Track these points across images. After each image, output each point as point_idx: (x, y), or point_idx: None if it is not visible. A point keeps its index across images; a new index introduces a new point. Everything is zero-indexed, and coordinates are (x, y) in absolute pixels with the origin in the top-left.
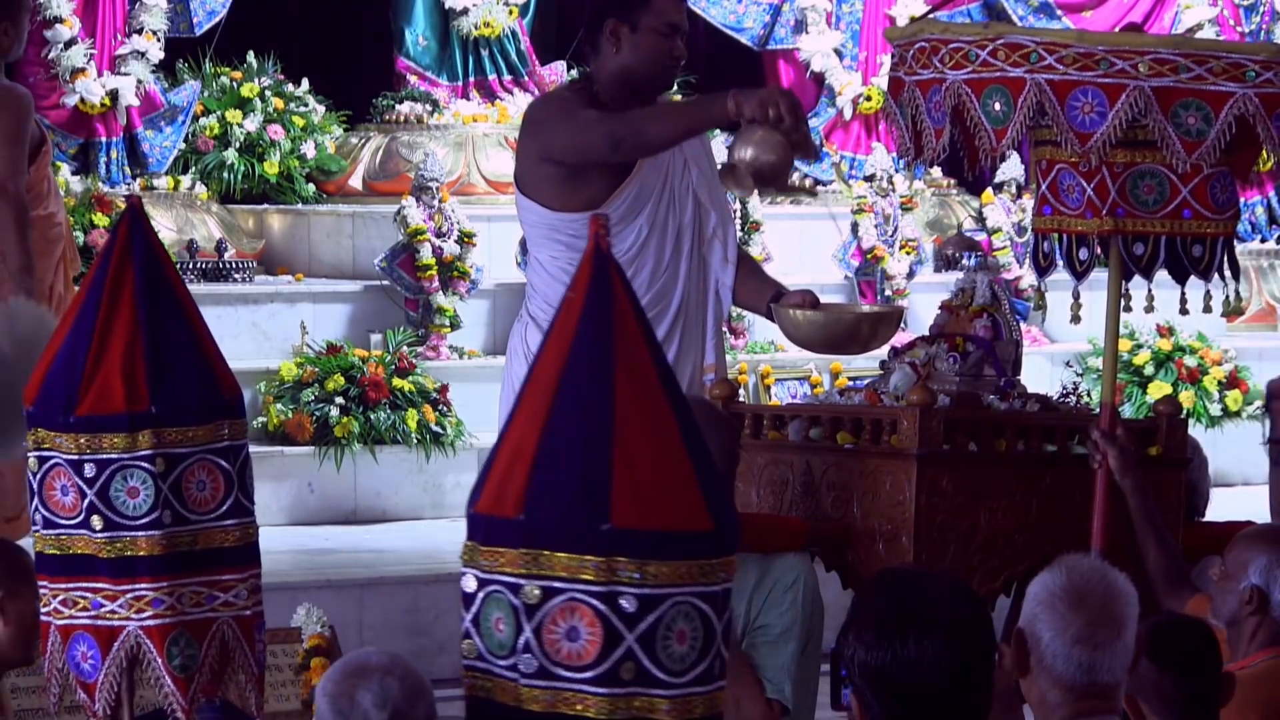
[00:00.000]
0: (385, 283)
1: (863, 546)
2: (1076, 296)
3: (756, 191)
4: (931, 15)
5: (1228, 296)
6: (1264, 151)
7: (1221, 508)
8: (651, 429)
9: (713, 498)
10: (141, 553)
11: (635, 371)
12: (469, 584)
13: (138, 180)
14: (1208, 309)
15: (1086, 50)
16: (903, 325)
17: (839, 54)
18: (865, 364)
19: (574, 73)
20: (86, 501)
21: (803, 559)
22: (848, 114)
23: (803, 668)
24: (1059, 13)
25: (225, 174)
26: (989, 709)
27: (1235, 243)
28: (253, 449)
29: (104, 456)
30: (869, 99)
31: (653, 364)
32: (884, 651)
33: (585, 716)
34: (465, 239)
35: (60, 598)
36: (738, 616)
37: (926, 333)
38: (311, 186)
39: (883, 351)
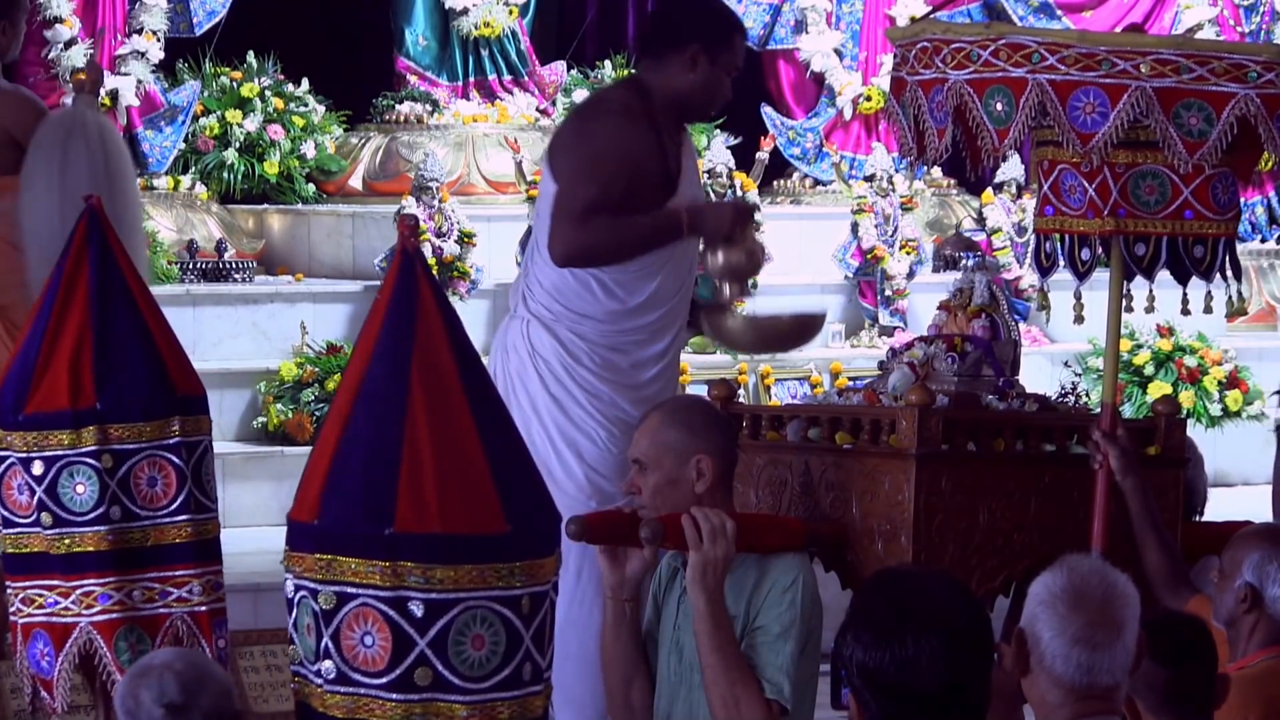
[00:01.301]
0: None
1: (861, 546)
2: (1078, 297)
3: (737, 293)
4: (932, 15)
5: (1229, 297)
6: (1265, 152)
7: (1221, 508)
8: (444, 432)
9: (513, 500)
10: (89, 549)
11: (434, 373)
12: (288, 589)
13: (138, 180)
14: (1209, 310)
15: (1088, 51)
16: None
17: (839, 54)
18: (864, 364)
19: (573, 72)
20: (36, 499)
21: (801, 559)
22: (848, 114)
23: (802, 668)
24: (1059, 13)
25: (225, 174)
26: (986, 709)
27: (1236, 243)
28: (252, 449)
29: (51, 454)
30: (869, 99)
31: (455, 365)
32: (881, 652)
33: None
34: (465, 239)
35: (20, 596)
36: (736, 617)
37: (925, 333)
38: (311, 186)
39: (881, 352)
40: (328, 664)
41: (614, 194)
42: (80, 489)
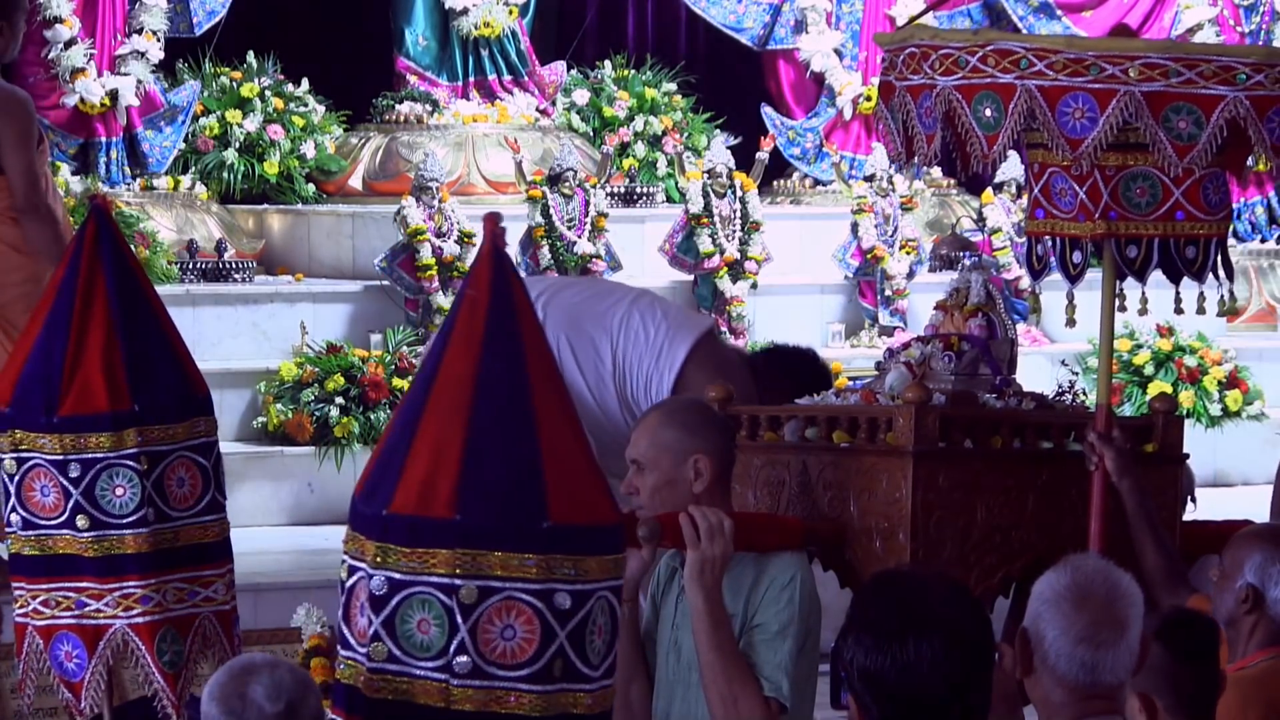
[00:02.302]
0: (385, 283)
1: (860, 545)
2: (1071, 299)
3: None
4: (929, 16)
5: (1221, 297)
6: (1257, 151)
7: (1221, 508)
8: (567, 424)
9: (610, 492)
10: (129, 551)
11: (544, 366)
12: (377, 585)
13: (138, 180)
14: (1202, 310)
15: (1076, 56)
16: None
17: (839, 54)
18: (864, 364)
19: (573, 72)
20: (71, 502)
21: (799, 558)
22: (848, 114)
23: (800, 666)
24: (1059, 12)
25: (225, 174)
26: (988, 711)
27: (1234, 242)
28: (252, 449)
29: (89, 456)
30: (869, 99)
31: (550, 359)
32: (882, 655)
33: (517, 714)
34: (465, 239)
35: (40, 598)
36: (734, 615)
37: (923, 333)
38: (311, 186)
39: (880, 352)
40: (462, 659)
41: None
42: (120, 491)
